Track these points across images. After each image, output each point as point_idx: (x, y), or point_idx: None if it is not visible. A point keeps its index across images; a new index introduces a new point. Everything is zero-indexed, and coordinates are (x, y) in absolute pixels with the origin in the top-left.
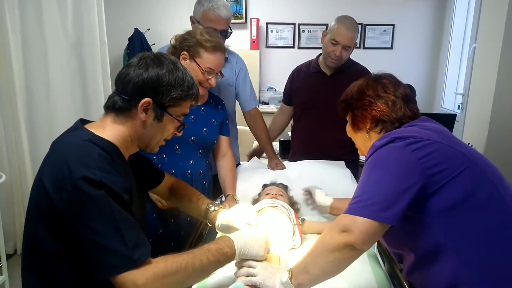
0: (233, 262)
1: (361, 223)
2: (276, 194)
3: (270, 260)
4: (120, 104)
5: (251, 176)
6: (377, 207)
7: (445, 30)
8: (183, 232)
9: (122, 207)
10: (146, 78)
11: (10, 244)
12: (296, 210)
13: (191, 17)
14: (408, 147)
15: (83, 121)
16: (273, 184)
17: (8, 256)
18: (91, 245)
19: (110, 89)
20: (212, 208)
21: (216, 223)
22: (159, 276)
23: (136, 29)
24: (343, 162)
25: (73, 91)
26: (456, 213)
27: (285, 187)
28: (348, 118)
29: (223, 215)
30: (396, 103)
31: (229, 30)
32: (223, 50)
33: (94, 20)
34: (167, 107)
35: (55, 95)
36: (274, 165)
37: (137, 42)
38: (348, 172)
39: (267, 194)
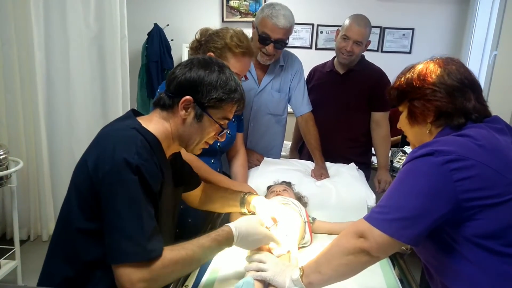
0: (244, 256)
1: (377, 235)
2: (280, 191)
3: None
4: (165, 100)
5: (263, 173)
6: (397, 224)
7: (465, 36)
8: (190, 219)
9: (149, 197)
10: (189, 77)
11: (23, 230)
12: (304, 204)
13: (252, 23)
14: (445, 166)
15: (134, 112)
16: (275, 183)
17: (21, 242)
18: (112, 226)
19: (128, 82)
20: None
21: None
22: (164, 267)
23: (155, 25)
24: (353, 164)
25: (92, 81)
26: (488, 246)
27: (288, 184)
28: (402, 109)
29: (257, 201)
30: (465, 92)
31: (286, 41)
32: (252, 54)
33: (115, 14)
34: (206, 108)
35: (75, 85)
36: (319, 175)
37: (156, 37)
38: (362, 176)
39: (272, 192)
